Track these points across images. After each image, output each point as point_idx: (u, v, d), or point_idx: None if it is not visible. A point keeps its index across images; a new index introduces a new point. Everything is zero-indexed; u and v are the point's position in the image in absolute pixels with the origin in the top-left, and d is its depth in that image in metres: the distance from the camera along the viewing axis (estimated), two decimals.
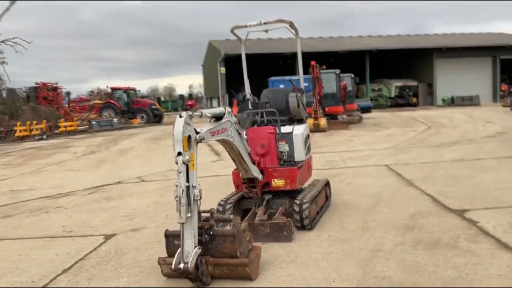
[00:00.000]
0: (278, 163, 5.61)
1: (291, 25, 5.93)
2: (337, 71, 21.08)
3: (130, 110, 33.17)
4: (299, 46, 6.28)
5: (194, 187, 3.87)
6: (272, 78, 23.72)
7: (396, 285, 3.70)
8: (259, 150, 5.58)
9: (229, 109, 4.65)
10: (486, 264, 3.99)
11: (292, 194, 5.67)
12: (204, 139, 4.06)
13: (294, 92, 6.05)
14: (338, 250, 4.62)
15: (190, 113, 3.96)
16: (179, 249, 3.83)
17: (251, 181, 5.44)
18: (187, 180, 3.86)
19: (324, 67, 20.64)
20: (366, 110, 25.62)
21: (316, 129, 18.40)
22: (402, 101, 37.33)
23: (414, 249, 4.49)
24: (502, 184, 7.03)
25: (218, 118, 4.54)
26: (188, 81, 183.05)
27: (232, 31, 6.11)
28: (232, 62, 35.90)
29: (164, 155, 14.02)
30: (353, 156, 11.12)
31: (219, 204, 5.59)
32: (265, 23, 5.86)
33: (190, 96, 70.35)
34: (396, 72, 39.44)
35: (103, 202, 7.84)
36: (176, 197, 3.89)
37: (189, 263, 3.74)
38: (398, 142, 13.63)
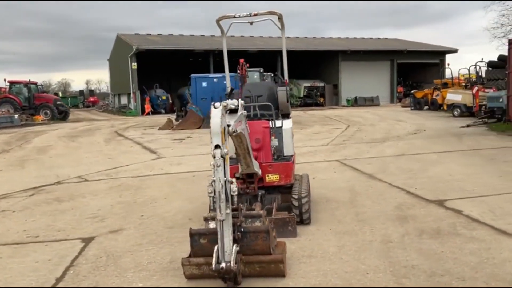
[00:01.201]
0: (272, 158, 5.53)
1: (280, 17, 5.88)
2: (261, 69, 21.34)
3: (32, 106, 30.63)
4: (284, 40, 6.23)
5: (230, 182, 3.66)
6: (194, 75, 23.30)
7: (428, 273, 3.83)
8: (253, 144, 5.44)
9: (242, 101, 4.49)
10: (496, 248, 4.29)
11: (281, 189, 5.63)
12: (236, 131, 3.88)
13: (284, 86, 6.00)
14: (349, 243, 4.67)
15: (225, 103, 3.76)
16: (216, 248, 3.62)
17: (250, 176, 5.31)
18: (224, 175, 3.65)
19: (248, 65, 20.80)
20: None
21: None
22: (310, 100, 38.80)
23: (421, 238, 4.69)
24: (457, 176, 7.60)
25: (232, 110, 4.36)
26: (86, 77, 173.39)
27: (218, 21, 5.89)
28: (143, 57, 34.70)
29: (91, 153, 13.21)
30: (299, 153, 11.30)
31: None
32: (255, 15, 5.73)
33: (92, 92, 66.81)
34: (305, 73, 40.88)
35: (55, 203, 7.17)
36: (211, 192, 3.67)
37: (232, 262, 3.54)
38: (331, 139, 14.15)
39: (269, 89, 6.27)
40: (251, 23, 6.05)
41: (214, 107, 3.66)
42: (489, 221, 5.10)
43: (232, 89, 6.18)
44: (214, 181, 3.61)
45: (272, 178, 5.47)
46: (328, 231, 5.09)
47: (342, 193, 6.75)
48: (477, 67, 25.12)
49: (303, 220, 5.28)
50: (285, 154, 5.77)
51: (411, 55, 40.99)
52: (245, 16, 5.75)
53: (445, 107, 25.27)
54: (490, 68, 24.97)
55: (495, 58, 24.47)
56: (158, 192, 7.61)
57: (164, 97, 36.34)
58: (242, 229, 3.85)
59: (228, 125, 3.81)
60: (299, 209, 5.26)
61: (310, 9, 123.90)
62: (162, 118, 28.07)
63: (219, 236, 3.61)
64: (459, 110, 22.17)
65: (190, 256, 4.09)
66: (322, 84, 39.85)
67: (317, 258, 4.31)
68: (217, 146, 3.61)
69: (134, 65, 34.43)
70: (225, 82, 21.27)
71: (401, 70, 42.35)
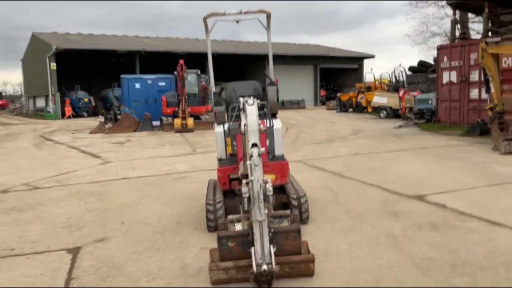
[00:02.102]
0: (267, 158, 5.47)
1: (268, 16, 5.84)
2: (198, 71, 21.06)
3: None
4: (270, 40, 6.19)
5: (265, 181, 3.56)
6: (125, 76, 22.45)
7: (450, 264, 3.99)
8: None
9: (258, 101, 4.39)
10: (497, 238, 4.57)
11: (274, 189, 5.58)
12: (265, 130, 3.79)
13: (274, 85, 5.95)
14: (357, 240, 4.74)
15: (258, 101, 3.66)
16: (254, 250, 3.50)
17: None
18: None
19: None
20: None
21: (184, 129, 18.14)
22: None
23: (423, 232, 4.87)
24: (421, 173, 8.01)
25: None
26: None
27: (206, 18, 5.72)
28: (62, 57, 32.78)
29: (25, 159, 12.28)
30: None
31: (208, 204, 5.20)
32: (245, 12, 5.64)
33: (0, 94, 61.95)
34: (233, 76, 41.04)
35: (14, 213, 6.55)
36: (246, 193, 3.55)
37: (273, 264, 3.45)
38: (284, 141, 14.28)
39: (255, 89, 6.21)
40: (237, 22, 5.95)
41: (249, 104, 3.54)
42: (476, 213, 5.43)
43: (222, 89, 6.03)
44: (251, 181, 3.48)
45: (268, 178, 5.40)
46: (329, 229, 5.13)
47: (322, 192, 6.83)
48: (400, 72, 26.69)
49: (303, 219, 5.27)
50: (276, 154, 5.73)
51: (333, 60, 42.66)
52: (235, 14, 5.64)
53: (369, 109, 26.62)
54: (410, 73, 26.69)
55: (405, 64, 26.16)
56: (127, 197, 7.22)
57: (86, 100, 34.60)
58: (272, 230, 3.75)
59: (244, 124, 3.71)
60: (298, 208, 5.24)
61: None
62: (86, 122, 26.79)
63: (258, 238, 3.49)
64: (385, 112, 23.42)
65: (212, 260, 3.94)
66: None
67: (334, 256, 4.32)
68: (254, 145, 3.50)
69: (53, 65, 32.46)
70: (160, 83, 20.70)
71: (323, 74, 43.90)
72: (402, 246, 4.50)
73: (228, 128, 4.37)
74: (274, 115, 6.08)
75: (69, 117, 32.20)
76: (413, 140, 12.78)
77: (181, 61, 17.85)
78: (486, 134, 12.87)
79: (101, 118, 25.61)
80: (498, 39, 10.95)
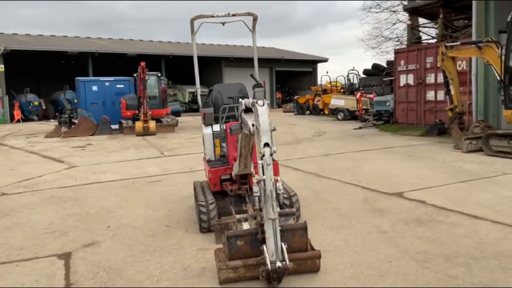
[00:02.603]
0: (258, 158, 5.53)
1: (255, 19, 5.92)
2: (158, 73, 20.81)
3: None
4: (255, 42, 6.27)
5: (276, 180, 3.64)
6: (81, 78, 21.85)
7: (444, 256, 4.21)
8: None
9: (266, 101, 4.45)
10: (481, 231, 4.85)
11: None
12: (275, 129, 3.86)
13: (261, 87, 6.03)
14: (350, 236, 4.89)
15: (268, 101, 3.72)
16: (266, 248, 3.56)
17: (244, 177, 5.27)
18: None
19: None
20: (176, 114, 25.81)
21: (145, 132, 17.87)
22: (196, 106, 38.81)
23: (410, 227, 5.09)
24: (394, 172, 8.32)
25: (247, 109, 4.32)
26: None
27: (193, 20, 5.72)
28: (11, 59, 31.40)
29: None
30: None
31: (201, 205, 5.21)
32: (233, 15, 5.69)
33: None
34: (189, 79, 40.74)
35: None
36: (257, 192, 3.62)
37: (287, 261, 3.52)
38: (297, 136, 14.38)
39: (240, 91, 6.28)
40: (223, 24, 5.99)
41: (260, 105, 3.60)
42: (455, 208, 5.72)
43: (210, 90, 6.05)
44: (263, 180, 3.55)
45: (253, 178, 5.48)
46: (321, 227, 5.25)
47: (304, 192, 6.96)
48: (355, 75, 27.45)
49: (296, 217, 5.37)
50: None
51: (288, 63, 43.21)
52: (222, 16, 5.69)
53: (326, 111, 27.22)
54: (365, 76, 27.50)
55: (359, 67, 27.04)
56: (106, 201, 7.08)
57: (36, 103, 33.29)
58: (280, 227, 3.82)
59: (253, 125, 3.78)
60: (290, 207, 5.34)
61: (179, 15, 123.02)
62: (38, 126, 25.84)
63: (271, 235, 3.55)
64: (342, 114, 24.00)
65: (218, 260, 3.97)
66: (206, 90, 40.04)
67: (332, 253, 4.44)
68: (266, 145, 3.56)
69: (1, 67, 31.03)
70: (118, 86, 20.37)
71: (278, 77, 44.37)
72: (394, 241, 4.69)
73: (230, 128, 4.40)
74: None
75: (18, 121, 30.88)
76: (376, 141, 13.22)
77: (143, 63, 17.59)
78: (444, 134, 13.52)
79: (53, 122, 24.79)
80: (458, 43, 11.53)
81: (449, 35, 16.65)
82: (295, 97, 33.26)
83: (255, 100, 3.68)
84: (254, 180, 5.35)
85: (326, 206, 6.11)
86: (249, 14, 5.80)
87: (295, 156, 10.64)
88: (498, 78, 9.73)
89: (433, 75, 15.47)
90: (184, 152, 12.50)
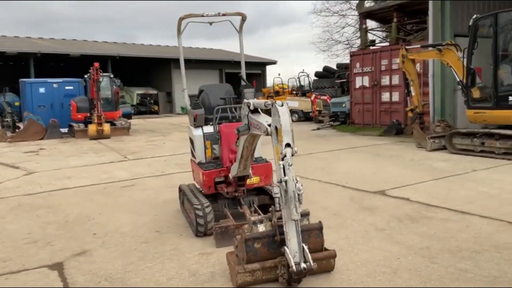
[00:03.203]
0: (252, 160, 5.49)
1: (244, 19, 5.87)
2: (111, 75, 20.19)
3: None
4: (242, 43, 6.21)
5: (297, 181, 3.61)
6: (26, 80, 20.79)
7: (447, 251, 4.35)
8: (234, 147, 5.34)
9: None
10: (473, 225, 5.04)
11: (255, 191, 5.66)
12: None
13: (251, 87, 5.99)
14: (350, 235, 4.94)
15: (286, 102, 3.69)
16: (288, 249, 3.52)
17: (241, 179, 5.21)
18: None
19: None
20: (127, 116, 25.14)
21: (99, 135, 17.26)
22: (144, 108, 37.93)
23: (405, 224, 5.23)
24: (368, 171, 8.52)
25: (254, 110, 4.28)
26: None
27: (182, 19, 5.59)
28: None
29: None
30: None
31: (197, 209, 5.09)
32: (223, 14, 5.61)
33: None
34: (137, 80, 39.81)
35: None
36: (277, 193, 3.58)
37: (311, 261, 3.51)
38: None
39: (227, 92, 6.20)
40: (210, 24, 5.89)
41: (280, 105, 3.57)
42: (440, 204, 5.93)
43: (201, 91, 5.92)
44: (285, 181, 3.52)
45: (253, 180, 5.45)
46: None
47: None
48: (306, 77, 27.92)
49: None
50: (255, 156, 5.77)
51: (237, 65, 42.98)
52: (213, 16, 5.60)
53: None
54: (316, 78, 28.02)
55: (311, 69, 27.56)
56: (83, 208, 6.76)
57: None
58: None
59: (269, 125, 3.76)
60: None
61: (120, 15, 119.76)
62: None
63: (294, 236, 3.53)
64: (297, 115, 24.28)
65: (230, 263, 3.90)
66: (155, 92, 39.33)
67: (338, 252, 4.45)
68: (288, 145, 3.53)
69: None
70: (67, 87, 19.76)
71: (228, 79, 44.33)
72: (394, 238, 4.79)
73: (238, 129, 4.32)
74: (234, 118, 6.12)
75: None
76: (340, 141, 13.50)
77: (96, 64, 17.00)
78: (401, 133, 14.04)
79: None
80: (418, 46, 11.99)
81: (403, 38, 17.32)
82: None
83: (273, 101, 3.64)
84: (254, 181, 5.36)
85: (315, 206, 6.13)
86: (238, 14, 5.75)
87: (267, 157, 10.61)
88: (458, 80, 10.21)
89: (387, 77, 16.02)
90: (149, 156, 12.19)
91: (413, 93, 11.66)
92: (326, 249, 4.03)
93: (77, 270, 4.41)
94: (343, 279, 3.87)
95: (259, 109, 4.26)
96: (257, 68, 45.63)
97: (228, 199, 5.51)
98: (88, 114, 19.02)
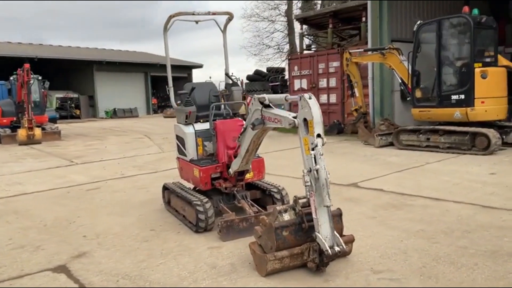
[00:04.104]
0: None
1: (231, 18, 5.97)
2: (39, 77, 19.10)
3: None
4: (225, 42, 6.30)
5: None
6: None
7: (441, 231, 4.77)
8: (230, 143, 5.45)
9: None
10: (452, 210, 5.52)
11: (246, 186, 5.78)
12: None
13: (238, 85, 6.10)
14: (347, 223, 4.97)
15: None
16: (322, 234, 3.70)
17: (240, 173, 5.31)
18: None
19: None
20: (52, 120, 23.86)
21: (30, 140, 16.28)
22: (65, 113, 36.11)
23: (391, 212, 5.60)
24: (330, 167, 8.70)
25: (267, 105, 4.43)
26: None
27: (173, 16, 5.57)
28: None
29: None
30: (149, 161, 11.05)
31: (198, 205, 5.12)
32: (213, 14, 5.68)
33: None
34: (54, 84, 37.77)
35: None
36: (308, 182, 3.77)
37: (343, 245, 3.73)
38: (158, 147, 14.01)
39: (212, 90, 6.28)
40: (196, 22, 5.94)
41: (309, 98, 3.75)
42: (414, 193, 6.42)
43: (193, 88, 5.92)
44: (316, 169, 3.70)
45: (247, 175, 5.57)
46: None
47: None
48: (237, 80, 28.17)
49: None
50: None
51: (163, 68, 42.39)
52: (203, 14, 5.65)
53: None
54: (248, 81, 28.40)
55: (242, 73, 27.96)
56: (54, 212, 6.45)
57: None
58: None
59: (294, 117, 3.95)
60: (281, 200, 5.53)
61: (26, 16, 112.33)
62: None
63: (327, 222, 3.72)
64: None
65: (255, 252, 4.01)
66: (76, 95, 37.61)
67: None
68: (319, 135, 3.73)
69: None
70: (4, 87, 18.50)
71: (153, 82, 43.48)
72: (388, 224, 5.15)
73: (253, 123, 4.42)
74: (235, 115, 6.24)
75: None
76: (287, 141, 13.89)
77: (27, 65, 16.02)
78: (342, 132, 14.77)
79: None
80: (361, 50, 12.72)
81: (337, 43, 18.21)
82: (178, 102, 32.92)
83: (301, 95, 3.82)
84: (248, 176, 5.47)
85: None
86: (226, 13, 5.85)
87: None
88: (400, 81, 11.01)
89: (325, 80, 16.75)
90: (97, 159, 11.76)
91: (357, 94, 12.35)
92: (344, 235, 4.26)
93: (85, 271, 4.28)
94: (362, 261, 4.12)
95: (271, 104, 4.41)
96: (183, 71, 45.18)
97: (222, 195, 5.58)
98: (15, 118, 17.89)
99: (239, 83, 6.15)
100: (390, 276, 3.78)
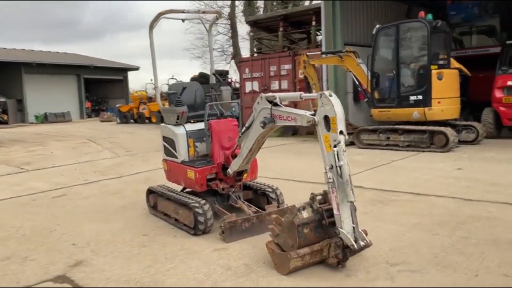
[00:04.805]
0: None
1: (219, 17, 5.90)
2: None
3: None
4: (211, 41, 6.20)
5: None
6: None
7: (437, 224, 4.99)
8: (226, 143, 5.40)
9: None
10: (437, 203, 5.77)
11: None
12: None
13: (227, 85, 6.02)
14: None
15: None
16: (344, 230, 3.76)
17: (239, 174, 5.26)
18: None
19: None
20: None
21: None
22: None
23: (379, 207, 5.76)
24: (302, 166, 9.05)
25: (276, 103, 4.43)
26: None
27: (162, 14, 5.41)
28: None
29: None
30: (109, 166, 10.61)
31: (196, 207, 5.00)
32: (203, 12, 5.60)
33: None
34: None
35: None
36: (329, 179, 3.82)
37: (367, 239, 3.80)
38: (116, 154, 13.48)
39: (198, 90, 6.18)
40: (183, 21, 5.82)
41: (330, 96, 3.79)
42: (393, 189, 6.64)
43: (184, 88, 5.75)
44: (340, 166, 3.75)
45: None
46: None
47: None
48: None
49: None
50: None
51: (97, 70, 41.09)
52: (194, 12, 5.55)
53: (153, 119, 27.13)
54: None
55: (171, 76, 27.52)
56: (27, 221, 6.02)
57: None
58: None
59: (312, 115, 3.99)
60: (276, 200, 5.53)
61: None
62: None
63: (348, 217, 3.78)
64: None
65: (273, 251, 4.00)
66: (3, 99, 35.33)
67: None
68: (341, 132, 3.77)
69: None
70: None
71: (87, 85, 41.81)
72: (383, 218, 5.30)
73: (263, 121, 4.37)
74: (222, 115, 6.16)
75: None
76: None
77: None
78: (297, 134, 15.03)
79: None
80: (318, 52, 12.99)
81: (288, 46, 18.49)
82: (117, 105, 31.98)
83: (322, 92, 3.85)
84: (244, 176, 5.41)
85: (286, 199, 6.39)
86: (216, 12, 5.78)
87: None
88: (357, 83, 11.40)
89: (277, 82, 16.96)
90: (48, 165, 11.09)
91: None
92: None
93: (91, 280, 4.05)
94: (375, 255, 4.21)
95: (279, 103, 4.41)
96: (119, 74, 43.88)
97: (216, 196, 5.50)
98: None
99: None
100: (408, 268, 3.90)
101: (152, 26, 5.66)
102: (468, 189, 6.47)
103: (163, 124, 5.90)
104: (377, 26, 10.78)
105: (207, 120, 5.40)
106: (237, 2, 26.45)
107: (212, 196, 5.48)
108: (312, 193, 4.14)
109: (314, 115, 3.99)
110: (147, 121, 28.25)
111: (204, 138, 5.57)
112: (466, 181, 6.97)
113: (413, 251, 4.26)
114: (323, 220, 3.96)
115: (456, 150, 9.86)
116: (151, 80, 31.06)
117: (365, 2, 15.02)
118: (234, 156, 5.21)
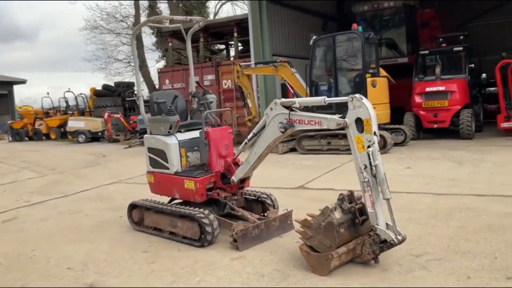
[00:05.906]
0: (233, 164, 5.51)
1: (200, 25, 5.79)
2: None
3: None
4: (189, 49, 6.06)
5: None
6: None
7: (428, 216, 5.37)
8: (223, 151, 5.33)
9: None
10: (414, 200, 6.14)
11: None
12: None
13: (210, 93, 5.91)
14: None
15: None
16: (381, 226, 3.93)
17: (242, 181, 5.20)
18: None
19: None
20: None
21: None
22: None
23: None
24: (269, 173, 9.02)
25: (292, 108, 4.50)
26: None
27: (151, 21, 5.19)
28: None
29: None
30: (42, 185, 9.75)
31: (202, 218, 4.85)
32: (190, 19, 5.46)
33: None
34: None
35: None
36: (365, 178, 3.97)
37: (402, 234, 4.01)
38: (33, 172, 12.37)
39: (178, 98, 6.01)
40: (163, 27, 5.63)
41: (362, 98, 3.95)
42: None
43: (175, 96, 5.53)
44: (375, 165, 3.91)
45: None
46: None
47: None
48: (81, 96, 26.30)
49: None
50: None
51: None
52: (180, 20, 5.41)
53: (52, 136, 25.44)
54: (96, 97, 26.63)
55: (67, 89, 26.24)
56: (6, 244, 5.44)
57: None
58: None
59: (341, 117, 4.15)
60: (273, 206, 5.56)
61: None
62: None
63: (383, 214, 3.96)
64: (84, 136, 22.65)
65: (308, 253, 4.05)
66: None
67: None
68: (375, 133, 3.95)
69: None
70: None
71: None
72: None
73: (284, 126, 4.37)
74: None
75: None
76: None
77: None
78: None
79: None
80: (251, 63, 13.13)
81: (209, 56, 18.43)
82: (9, 122, 29.26)
83: (353, 96, 3.99)
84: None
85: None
86: (201, 19, 5.66)
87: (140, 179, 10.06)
88: (292, 92, 11.78)
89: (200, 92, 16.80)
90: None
91: (250, 105, 12.78)
92: None
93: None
94: (395, 249, 4.40)
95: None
96: (3, 88, 39.98)
97: (212, 206, 5.39)
98: None
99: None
100: (433, 257, 4.17)
101: (135, 34, 5.41)
102: (429, 185, 7.02)
103: (147, 135, 5.63)
104: (314, 37, 11.28)
105: (199, 129, 5.28)
106: (140, 11, 25.68)
107: (208, 205, 5.35)
108: (340, 194, 4.26)
109: (343, 117, 4.08)
110: (44, 138, 26.22)
111: (196, 148, 5.43)
112: (423, 178, 7.56)
113: (425, 242, 4.56)
114: (356, 219, 4.09)
115: (392, 152, 10.62)
116: (48, 93, 29.16)
117: (288, 15, 15.64)
118: (235, 164, 5.17)
